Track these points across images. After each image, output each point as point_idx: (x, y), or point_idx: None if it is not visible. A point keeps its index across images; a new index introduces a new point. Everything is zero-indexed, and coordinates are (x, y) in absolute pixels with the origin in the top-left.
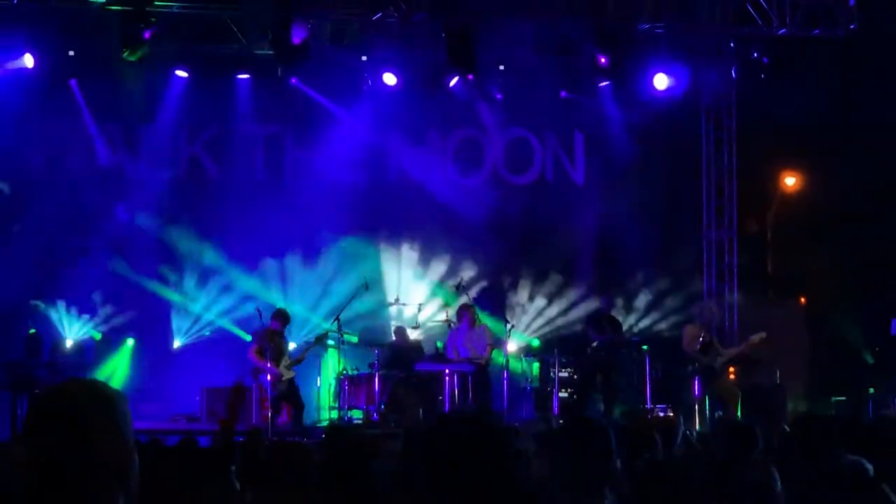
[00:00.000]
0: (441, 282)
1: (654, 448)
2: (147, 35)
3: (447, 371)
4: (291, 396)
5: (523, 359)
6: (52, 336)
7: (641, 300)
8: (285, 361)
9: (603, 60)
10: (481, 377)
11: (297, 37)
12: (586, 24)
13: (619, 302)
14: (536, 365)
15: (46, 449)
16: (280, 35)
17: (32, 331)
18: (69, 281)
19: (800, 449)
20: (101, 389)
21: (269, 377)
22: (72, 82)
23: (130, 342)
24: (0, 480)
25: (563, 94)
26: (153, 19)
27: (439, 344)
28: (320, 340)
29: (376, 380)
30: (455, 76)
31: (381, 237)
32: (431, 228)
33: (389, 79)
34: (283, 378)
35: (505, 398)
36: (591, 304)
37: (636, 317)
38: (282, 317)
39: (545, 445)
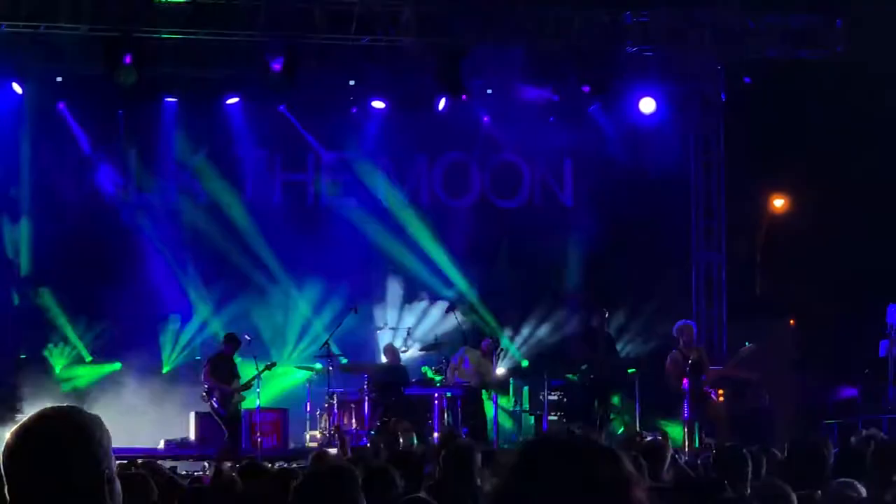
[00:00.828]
0: (430, 304)
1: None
2: (128, 60)
3: (437, 395)
4: (236, 420)
5: (511, 383)
6: (42, 361)
7: (630, 322)
8: (234, 385)
9: (587, 89)
10: (472, 400)
11: (277, 63)
12: (573, 48)
13: (608, 324)
14: (526, 389)
15: (22, 476)
16: (267, 59)
17: (24, 356)
18: (61, 304)
19: (793, 474)
20: (76, 416)
21: (217, 398)
22: (60, 106)
23: (118, 366)
24: None
25: (551, 117)
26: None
27: (426, 370)
28: (269, 368)
29: (366, 403)
30: (442, 98)
31: (369, 260)
32: (420, 252)
33: (377, 103)
34: (234, 399)
35: (495, 422)
36: (580, 326)
37: (625, 339)
38: (232, 341)
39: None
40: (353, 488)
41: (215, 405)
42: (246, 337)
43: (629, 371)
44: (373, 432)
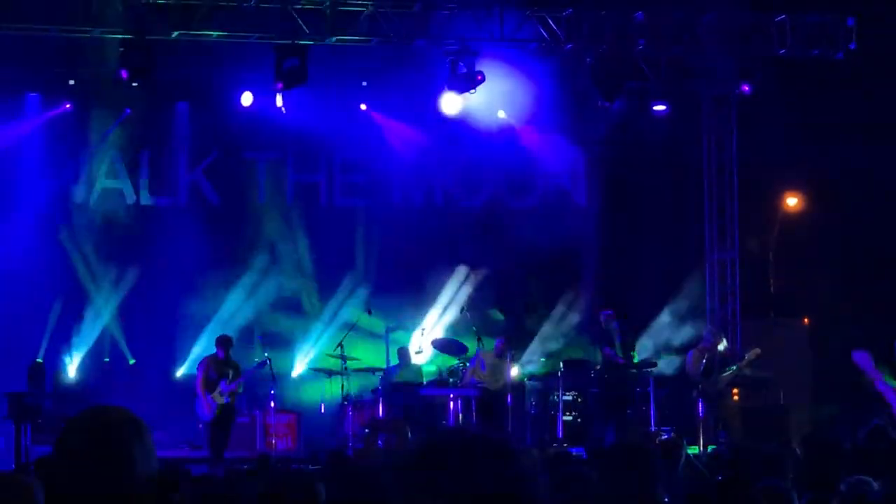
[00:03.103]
0: (444, 305)
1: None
2: (125, 75)
3: (452, 395)
4: (224, 422)
5: (526, 383)
6: (55, 366)
7: (644, 322)
8: (219, 389)
9: (599, 98)
10: (487, 401)
11: (289, 63)
12: (585, 48)
13: (624, 324)
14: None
15: (81, 469)
16: (280, 59)
17: (40, 360)
18: (76, 306)
19: (810, 471)
20: (134, 417)
21: (205, 404)
22: (69, 108)
23: (131, 361)
24: None
25: (565, 116)
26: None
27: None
28: (260, 367)
29: (380, 405)
30: (453, 96)
31: (383, 260)
32: (434, 252)
33: (386, 103)
34: (218, 404)
35: (508, 423)
36: (595, 325)
37: (640, 339)
38: (224, 343)
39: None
40: None
41: (196, 412)
42: (258, 339)
43: (645, 371)
44: (366, 431)
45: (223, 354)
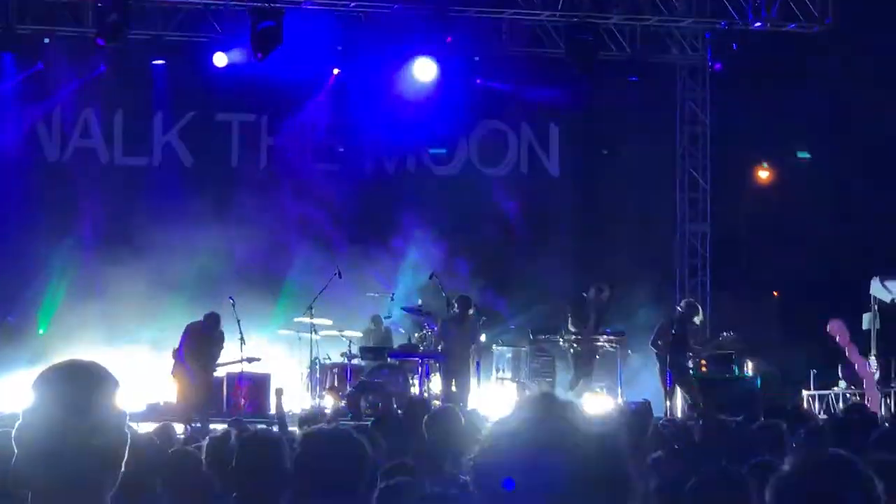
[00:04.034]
0: (413, 271)
1: None
2: (101, 42)
3: (419, 360)
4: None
5: (495, 349)
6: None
7: (615, 292)
8: (200, 361)
9: (579, 73)
10: (451, 369)
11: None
12: (560, 18)
13: (592, 293)
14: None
15: (48, 422)
16: (254, 22)
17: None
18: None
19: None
20: (105, 371)
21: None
22: (40, 67)
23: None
24: None
25: (539, 86)
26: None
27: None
28: (249, 362)
29: (349, 368)
30: (424, 60)
31: (354, 226)
32: (405, 219)
33: (363, 69)
34: (195, 379)
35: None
36: (566, 293)
37: (611, 310)
38: (209, 320)
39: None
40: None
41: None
42: (229, 301)
43: (616, 340)
44: (349, 393)
45: (207, 330)
